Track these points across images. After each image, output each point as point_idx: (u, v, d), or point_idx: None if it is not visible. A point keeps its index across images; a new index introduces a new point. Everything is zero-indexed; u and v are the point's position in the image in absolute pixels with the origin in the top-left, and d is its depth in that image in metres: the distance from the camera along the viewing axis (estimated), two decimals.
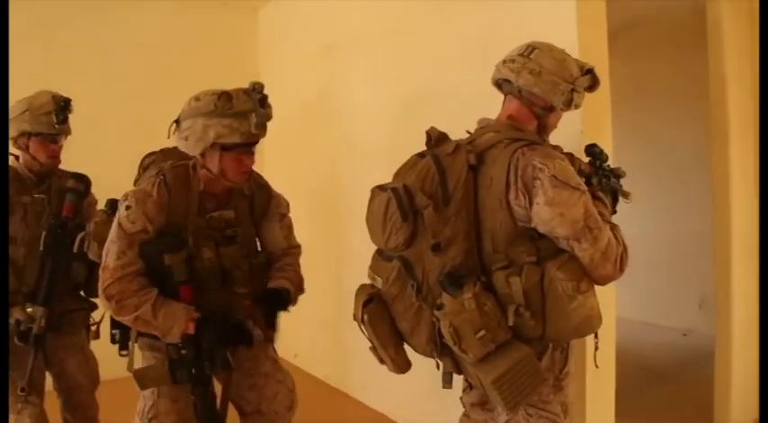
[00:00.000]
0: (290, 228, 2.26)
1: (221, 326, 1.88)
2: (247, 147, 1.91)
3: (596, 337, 1.78)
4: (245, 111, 1.82)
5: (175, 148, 2.04)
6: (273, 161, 4.87)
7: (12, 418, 2.51)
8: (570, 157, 1.76)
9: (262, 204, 2.17)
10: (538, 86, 1.72)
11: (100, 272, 1.86)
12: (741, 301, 3.10)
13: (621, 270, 1.65)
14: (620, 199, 2.14)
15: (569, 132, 2.30)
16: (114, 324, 2.06)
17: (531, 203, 1.60)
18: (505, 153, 1.64)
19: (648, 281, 5.70)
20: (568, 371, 1.76)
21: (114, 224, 1.88)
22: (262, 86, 1.87)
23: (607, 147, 2.44)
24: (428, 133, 1.79)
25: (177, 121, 1.90)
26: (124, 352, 2.07)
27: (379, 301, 1.79)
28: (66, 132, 2.59)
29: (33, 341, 2.41)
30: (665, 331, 5.38)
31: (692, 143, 5.14)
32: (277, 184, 5.04)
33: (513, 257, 1.62)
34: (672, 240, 5.50)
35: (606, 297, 2.40)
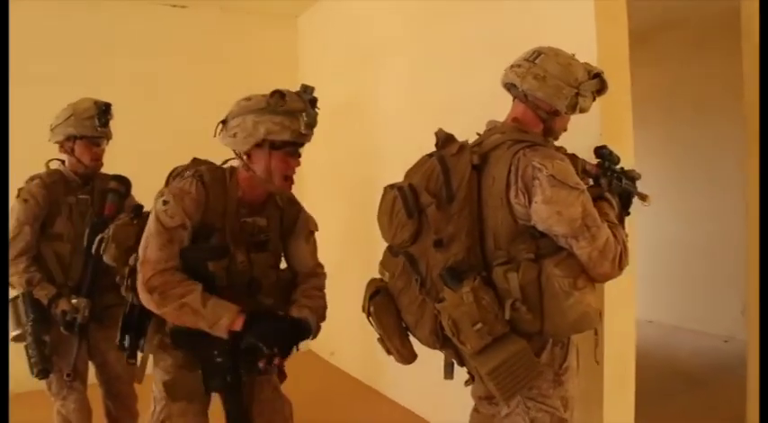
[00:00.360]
0: (315, 247, 2.19)
1: (273, 324, 1.85)
2: (295, 147, 1.89)
3: (596, 333, 1.82)
4: (296, 109, 1.81)
5: (206, 161, 2.07)
6: (311, 164, 5.00)
7: (57, 403, 2.69)
8: (573, 157, 1.80)
9: (290, 219, 2.11)
10: (542, 91, 1.78)
11: (139, 266, 1.82)
12: None
13: (621, 268, 1.68)
14: (640, 201, 2.17)
15: (589, 135, 2.33)
16: (125, 328, 2.02)
17: (530, 202, 1.65)
18: (507, 154, 1.70)
19: (689, 286, 5.63)
20: (568, 366, 1.80)
21: (151, 219, 1.84)
22: (312, 89, 1.88)
23: (628, 149, 2.45)
24: (436, 135, 1.87)
25: (224, 121, 1.89)
26: (132, 361, 2.02)
27: (385, 293, 1.88)
28: (108, 136, 2.76)
29: (78, 330, 2.57)
30: (705, 337, 5.27)
31: (730, 146, 5.05)
32: (315, 186, 5.16)
33: (514, 254, 1.68)
34: (714, 245, 5.39)
35: (625, 298, 2.44)
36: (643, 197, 2.18)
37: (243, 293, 1.90)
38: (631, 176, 2.09)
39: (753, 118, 3.06)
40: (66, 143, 2.70)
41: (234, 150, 1.92)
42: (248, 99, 1.87)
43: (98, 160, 2.76)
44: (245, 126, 1.82)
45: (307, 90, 1.87)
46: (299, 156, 1.93)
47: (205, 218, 1.87)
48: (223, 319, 1.77)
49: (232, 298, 1.84)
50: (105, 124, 2.72)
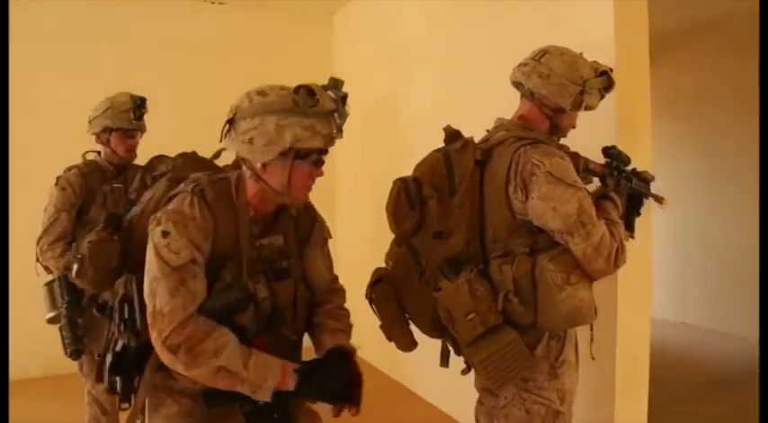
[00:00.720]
0: (330, 258, 1.85)
1: (331, 379, 1.55)
2: (322, 155, 1.53)
3: (591, 329, 1.85)
4: (328, 110, 1.46)
5: (194, 154, 1.83)
6: (344, 161, 5.09)
7: (88, 384, 2.83)
8: (574, 155, 1.83)
9: (305, 228, 1.75)
10: (546, 89, 1.82)
11: (150, 319, 1.44)
12: None
13: (616, 266, 1.71)
14: (656, 203, 2.19)
15: (605, 136, 2.34)
16: (114, 368, 1.63)
17: (527, 198, 1.70)
18: (509, 150, 1.76)
19: (723, 288, 5.53)
20: (565, 359, 1.83)
21: (152, 257, 1.46)
22: (342, 82, 1.52)
23: (644, 151, 2.46)
24: (444, 131, 1.93)
25: (231, 121, 1.49)
26: (126, 405, 1.65)
27: (387, 282, 1.95)
28: (142, 129, 2.90)
29: (110, 313, 2.70)
30: (737, 340, 5.17)
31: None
32: (348, 183, 5.22)
33: (511, 248, 1.73)
34: (748, 247, 5.28)
35: (640, 297, 2.45)
36: (659, 199, 2.19)
37: (262, 329, 1.56)
38: (644, 178, 2.11)
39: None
40: (103, 134, 2.84)
41: (242, 158, 1.54)
42: (263, 93, 1.47)
43: (132, 151, 2.89)
44: (265, 130, 1.44)
45: (337, 84, 1.51)
46: (323, 164, 1.57)
47: (214, 246, 1.51)
48: (268, 381, 1.44)
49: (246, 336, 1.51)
50: (140, 117, 2.85)
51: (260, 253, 1.59)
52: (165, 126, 3.37)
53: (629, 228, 2.06)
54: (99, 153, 2.89)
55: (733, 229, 5.45)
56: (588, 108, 1.86)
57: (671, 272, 5.90)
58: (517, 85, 1.91)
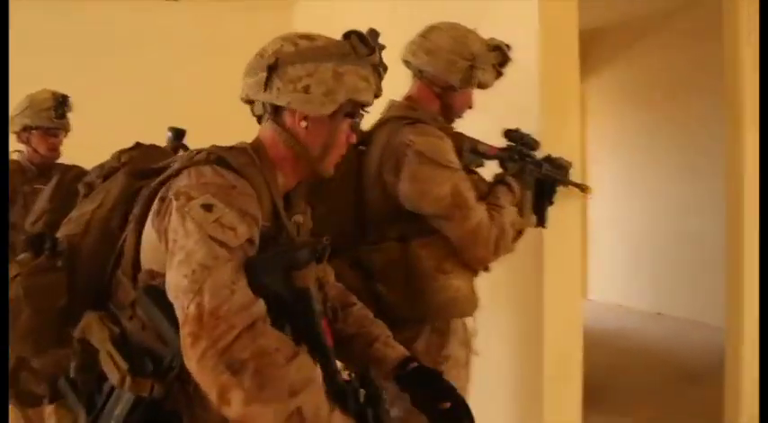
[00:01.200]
0: None
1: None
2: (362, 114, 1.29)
3: (474, 321, 1.76)
4: (378, 61, 1.23)
5: (153, 146, 1.46)
6: None
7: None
8: (456, 136, 1.74)
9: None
10: (431, 65, 1.73)
11: (193, 325, 0.95)
12: (752, 297, 2.90)
13: (497, 253, 1.63)
14: (582, 191, 2.11)
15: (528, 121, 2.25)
16: None
17: (399, 180, 1.62)
18: (386, 131, 1.67)
19: (698, 278, 5.42)
20: (449, 355, 1.72)
21: (191, 242, 1.02)
22: (379, 34, 1.26)
23: (572, 142, 2.37)
24: None
25: (274, 67, 1.18)
26: None
27: None
28: (66, 128, 2.81)
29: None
30: (711, 330, 5.04)
31: None
32: None
33: (385, 234, 1.65)
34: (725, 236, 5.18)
35: (568, 284, 2.35)
36: (581, 187, 2.10)
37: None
38: (559, 164, 2.01)
39: (733, 108, 2.94)
40: (23, 133, 2.76)
41: (273, 116, 1.23)
42: (309, 38, 1.21)
43: (55, 150, 2.81)
44: (321, 78, 1.16)
45: (377, 36, 1.25)
46: (359, 127, 1.34)
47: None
48: None
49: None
50: (62, 116, 2.76)
51: (299, 231, 1.29)
52: (119, 127, 3.27)
53: (540, 216, 1.96)
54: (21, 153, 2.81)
55: (707, 220, 5.35)
56: (482, 86, 1.77)
57: (646, 263, 5.80)
58: (406, 63, 1.82)
